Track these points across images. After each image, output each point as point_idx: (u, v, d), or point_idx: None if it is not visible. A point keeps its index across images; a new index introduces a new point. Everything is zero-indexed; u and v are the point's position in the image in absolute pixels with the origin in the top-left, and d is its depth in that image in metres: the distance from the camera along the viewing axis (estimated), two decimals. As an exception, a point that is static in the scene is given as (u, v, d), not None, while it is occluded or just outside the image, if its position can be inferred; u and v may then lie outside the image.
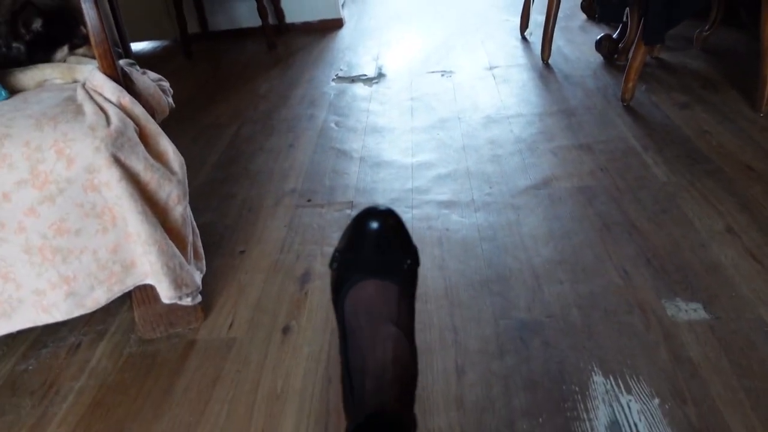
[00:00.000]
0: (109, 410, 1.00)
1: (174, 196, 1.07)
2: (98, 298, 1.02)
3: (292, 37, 3.35)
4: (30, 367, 1.12)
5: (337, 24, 3.44)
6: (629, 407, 0.91)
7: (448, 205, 1.50)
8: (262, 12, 3.04)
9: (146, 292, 1.10)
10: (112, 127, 0.97)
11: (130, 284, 1.05)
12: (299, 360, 1.06)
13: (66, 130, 0.93)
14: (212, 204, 1.62)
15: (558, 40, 2.64)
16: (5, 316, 0.98)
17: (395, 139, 1.91)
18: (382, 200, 1.55)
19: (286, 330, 1.14)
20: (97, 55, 1.06)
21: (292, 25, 3.45)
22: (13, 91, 1.09)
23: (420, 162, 1.74)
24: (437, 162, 1.73)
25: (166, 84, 1.30)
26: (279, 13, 3.37)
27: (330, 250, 1.36)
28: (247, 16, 3.38)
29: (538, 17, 2.88)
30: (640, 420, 0.89)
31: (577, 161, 1.64)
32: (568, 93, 2.13)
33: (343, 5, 3.56)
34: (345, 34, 3.31)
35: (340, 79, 2.57)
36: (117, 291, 1.03)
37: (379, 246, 0.75)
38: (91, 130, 0.94)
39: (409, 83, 2.41)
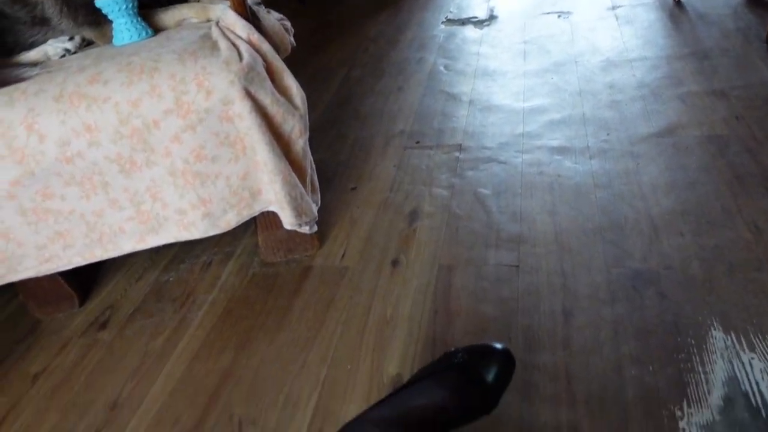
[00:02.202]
0: (237, 320, 1.12)
1: (296, 129, 1.13)
2: (230, 220, 1.12)
3: (402, -20, 3.29)
4: (171, 279, 1.26)
5: (447, -36, 3.33)
6: (751, 365, 0.87)
7: (560, 151, 1.45)
8: (373, -47, 3.01)
9: (269, 218, 1.20)
10: (244, 61, 1.03)
11: (256, 209, 1.14)
12: (408, 291, 1.11)
13: (205, 65, 1.01)
14: (325, 142, 1.69)
15: (694, -24, 2.38)
16: (153, 231, 1.11)
17: (506, 83, 1.86)
18: (491, 144, 1.53)
19: (395, 263, 1.19)
20: (231, -7, 1.12)
21: (402, -34, 3.38)
22: (156, 29, 1.19)
23: (532, 107, 1.69)
24: (550, 107, 1.66)
25: (287, 23, 1.36)
26: (389, -45, 3.32)
27: (438, 192, 1.38)
28: (357, -41, 3.36)
29: (672, -49, 2.61)
30: (762, 378, 0.84)
31: (708, 108, 1.51)
32: (702, 33, 1.94)
33: (454, -56, 3.42)
34: (456, -26, 3.20)
35: (449, 21, 2.51)
36: (245, 215, 1.13)
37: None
38: (225, 64, 1.01)
39: (522, 25, 2.30)
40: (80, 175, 1.03)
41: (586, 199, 1.26)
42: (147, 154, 1.03)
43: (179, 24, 1.22)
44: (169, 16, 1.22)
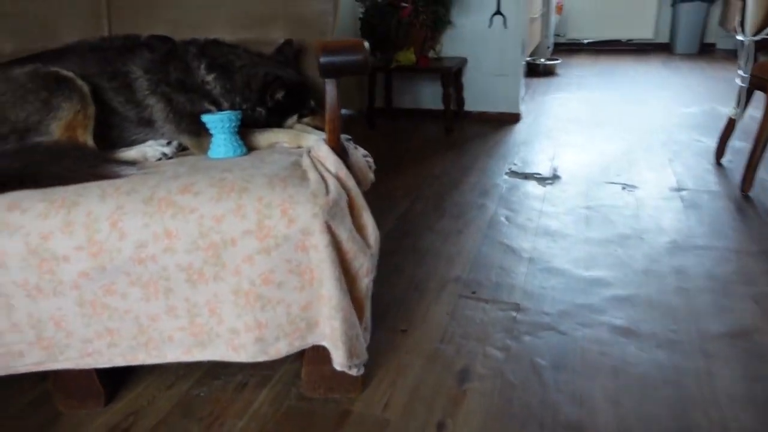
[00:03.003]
0: (264, 460, 1.03)
1: (365, 268, 1.12)
2: (280, 348, 1.07)
3: (469, 124, 3.47)
4: (202, 394, 1.20)
5: (513, 118, 3.51)
6: None
7: (625, 332, 1.38)
8: (446, 98, 3.21)
9: (318, 352, 1.15)
10: (330, 196, 1.05)
11: (309, 342, 1.10)
12: (451, 464, 1.01)
13: (292, 193, 1.03)
14: (381, 274, 1.67)
15: (763, 173, 2.41)
16: (201, 345, 1.08)
17: (568, 246, 1.84)
18: (551, 310, 1.48)
19: (440, 426, 1.10)
20: (327, 129, 1.18)
21: (470, 113, 3.58)
22: (250, 148, 1.25)
23: (595, 277, 1.65)
24: (614, 281, 1.62)
25: (371, 159, 1.41)
26: (460, 101, 3.53)
27: (492, 352, 1.32)
28: (429, 99, 3.59)
29: (737, 143, 2.68)
30: None
31: (785, 316, 1.44)
32: (773, 233, 1.91)
33: (521, 101, 3.63)
34: (521, 129, 3.35)
35: (513, 173, 2.58)
36: (297, 346, 1.09)
37: None
38: (313, 196, 1.03)
39: (585, 190, 2.34)
40: (147, 277, 1.02)
41: (653, 394, 1.17)
42: (217, 269, 1.03)
43: (272, 146, 1.28)
44: (264, 138, 1.28)
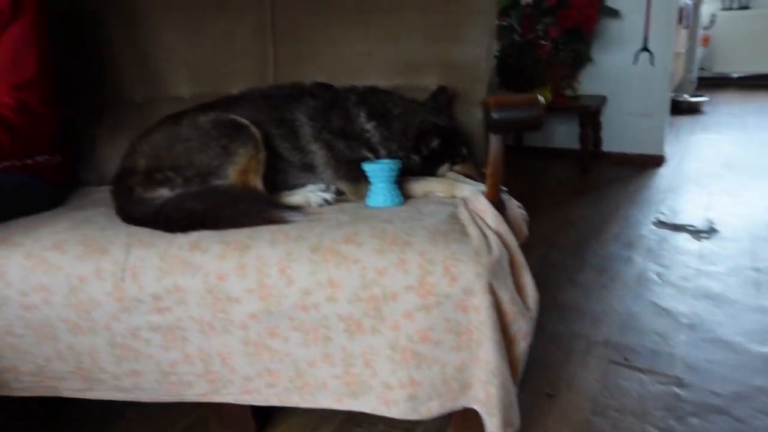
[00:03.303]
0: None
1: (523, 331, 1.06)
2: (431, 408, 1.04)
3: (606, 166, 3.28)
4: (343, 442, 1.20)
5: (657, 161, 3.26)
6: None
7: (820, 428, 1.19)
8: (584, 138, 3.06)
9: (466, 415, 1.10)
10: (493, 255, 1.02)
11: (460, 404, 1.06)
12: None
13: (455, 250, 1.01)
14: (520, 329, 1.60)
15: None
16: (353, 395, 1.08)
17: (736, 314, 1.64)
18: (721, 390, 1.32)
19: None
20: (488, 183, 1.15)
21: (608, 153, 3.39)
22: (405, 196, 1.25)
23: (773, 355, 1.45)
24: (798, 362, 1.41)
25: (524, 212, 1.35)
26: (597, 140, 3.36)
27: (655, 433, 1.19)
28: (563, 138, 3.45)
29: None
30: None
31: None
32: None
33: (666, 142, 3.37)
34: (666, 173, 3.11)
35: (661, 224, 2.38)
36: (448, 407, 1.05)
37: None
38: (475, 254, 1.00)
39: (750, 247, 2.09)
40: (309, 324, 1.05)
41: None
42: (375, 322, 1.03)
43: (426, 195, 1.28)
44: (419, 187, 1.28)
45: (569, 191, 2.84)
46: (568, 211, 2.56)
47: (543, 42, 2.89)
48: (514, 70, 2.97)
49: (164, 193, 1.19)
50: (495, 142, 1.10)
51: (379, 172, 1.17)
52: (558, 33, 2.84)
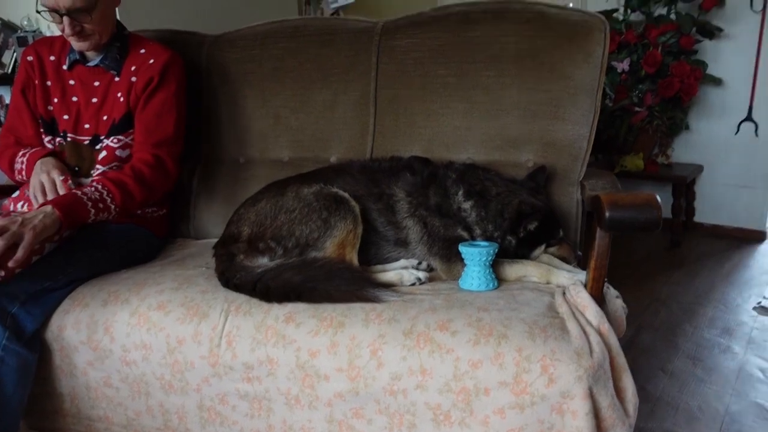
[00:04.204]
0: None
1: (622, 440, 0.99)
2: None
3: (699, 238, 3.09)
4: None
5: (758, 236, 3.04)
6: None
7: None
8: (676, 209, 2.91)
9: None
10: (594, 357, 0.96)
11: None
12: None
13: (554, 348, 0.97)
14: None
15: None
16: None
17: None
18: None
19: None
20: (591, 277, 1.11)
21: (701, 225, 3.20)
22: (498, 279, 1.22)
23: None
24: None
25: (623, 304, 1.28)
26: (690, 211, 3.18)
27: None
28: (652, 206, 3.30)
29: None
30: None
31: None
32: None
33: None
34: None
35: (763, 310, 2.19)
36: None
37: None
38: (576, 356, 0.95)
39: None
40: (395, 408, 1.03)
41: None
42: (464, 415, 0.99)
43: (519, 280, 1.24)
44: (513, 271, 1.24)
45: (658, 265, 2.69)
46: (658, 288, 2.42)
47: (637, 108, 2.81)
48: (605, 136, 2.89)
49: (264, 261, 1.23)
50: (602, 238, 1.06)
51: (476, 256, 1.16)
52: (655, 101, 2.75)
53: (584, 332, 1.01)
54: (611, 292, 1.26)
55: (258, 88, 1.74)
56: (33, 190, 1.40)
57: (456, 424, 1.00)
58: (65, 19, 1.37)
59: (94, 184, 1.37)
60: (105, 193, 1.35)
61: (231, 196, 1.70)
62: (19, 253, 1.15)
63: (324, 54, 1.69)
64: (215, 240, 1.66)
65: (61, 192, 1.37)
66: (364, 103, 1.64)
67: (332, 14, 3.51)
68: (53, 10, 1.37)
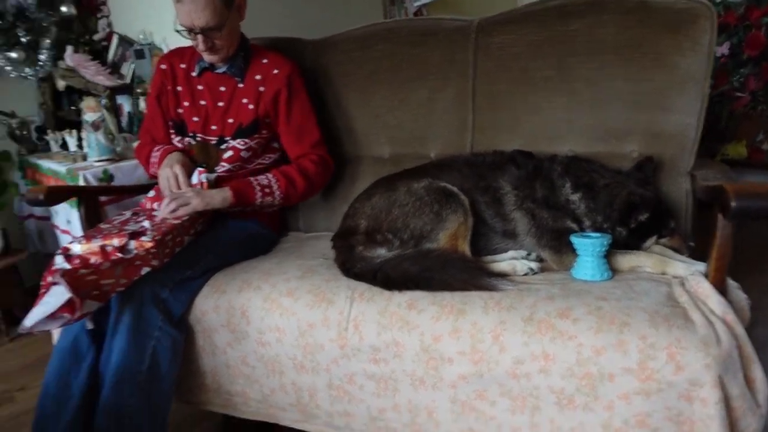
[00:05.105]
0: None
1: (752, 428, 0.99)
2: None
3: (810, 229, 2.90)
4: None
5: None
6: None
7: None
8: (783, 198, 2.75)
9: None
10: (723, 346, 0.97)
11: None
12: None
13: (679, 337, 0.98)
14: None
15: None
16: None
17: None
18: None
19: None
20: (714, 267, 1.11)
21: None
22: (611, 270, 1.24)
23: None
24: None
25: (744, 294, 1.26)
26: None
27: None
28: (754, 195, 3.13)
29: None
30: None
31: None
32: None
33: None
34: None
35: None
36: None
37: None
38: (703, 344, 0.97)
39: None
40: (518, 391, 1.08)
41: None
42: (589, 400, 1.03)
43: (632, 270, 1.25)
44: (626, 261, 1.25)
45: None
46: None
47: (739, 94, 2.67)
48: (705, 123, 2.77)
49: (382, 252, 1.31)
50: (725, 228, 1.06)
51: (589, 246, 1.18)
52: (758, 85, 2.60)
53: (709, 322, 1.02)
54: (731, 283, 1.24)
55: (358, 89, 1.83)
56: (160, 181, 1.58)
57: (580, 408, 1.04)
58: (199, 36, 1.52)
59: (266, 173, 1.60)
60: (273, 180, 1.59)
61: (337, 192, 1.80)
62: (180, 210, 1.44)
63: (419, 54, 1.75)
64: (323, 233, 1.80)
65: (183, 183, 1.53)
66: (461, 99, 1.69)
67: (415, 12, 3.57)
68: (189, 29, 1.52)
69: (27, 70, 2.69)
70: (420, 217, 1.31)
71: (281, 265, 1.45)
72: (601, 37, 1.51)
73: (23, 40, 2.65)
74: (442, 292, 1.19)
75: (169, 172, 1.55)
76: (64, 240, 2.39)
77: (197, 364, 1.41)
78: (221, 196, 1.51)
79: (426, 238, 1.30)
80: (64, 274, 1.16)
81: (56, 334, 1.45)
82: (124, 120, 2.65)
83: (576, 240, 1.21)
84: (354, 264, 1.31)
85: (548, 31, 1.58)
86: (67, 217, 2.27)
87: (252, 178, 1.58)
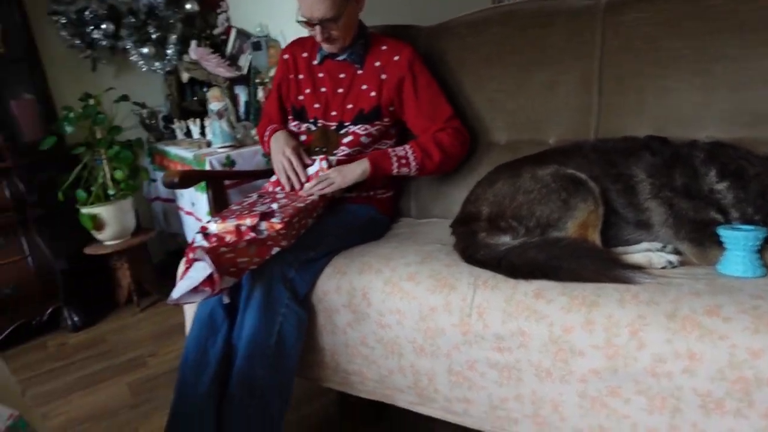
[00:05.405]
0: None
1: None
2: None
3: None
4: None
5: None
6: None
7: None
8: None
9: None
10: None
11: None
12: None
13: None
14: None
15: None
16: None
17: None
18: None
19: None
20: None
21: None
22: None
23: None
24: None
25: None
26: None
27: None
28: None
29: None
30: None
31: None
32: None
33: None
34: None
35: None
36: None
37: None
38: None
39: None
40: (656, 391, 1.02)
41: None
42: (741, 405, 0.95)
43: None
44: (781, 256, 1.14)
45: None
46: None
47: None
48: None
49: (506, 240, 1.29)
50: None
51: (741, 240, 1.09)
52: None
53: None
54: None
55: (473, 73, 1.80)
56: (275, 166, 1.67)
57: (730, 413, 0.96)
58: (317, 27, 1.58)
59: (404, 145, 1.65)
60: (410, 152, 1.62)
61: (451, 178, 1.79)
62: (327, 189, 1.55)
63: (540, 36, 1.69)
64: (435, 220, 1.80)
65: (297, 167, 1.61)
66: (586, 82, 1.61)
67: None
68: (308, 20, 1.58)
69: (156, 64, 2.91)
70: (547, 204, 1.27)
71: (399, 249, 1.47)
72: (745, 14, 1.39)
73: (153, 36, 2.87)
74: (571, 283, 1.15)
75: (282, 158, 1.63)
76: (188, 221, 2.58)
77: (317, 342, 1.46)
78: (361, 169, 1.58)
79: (553, 227, 1.25)
80: (209, 251, 1.24)
81: (188, 309, 1.58)
82: (241, 109, 2.79)
83: (725, 232, 1.12)
84: (476, 250, 1.30)
85: (686, 7, 1.47)
86: (191, 199, 2.44)
87: (390, 149, 1.63)
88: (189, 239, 2.61)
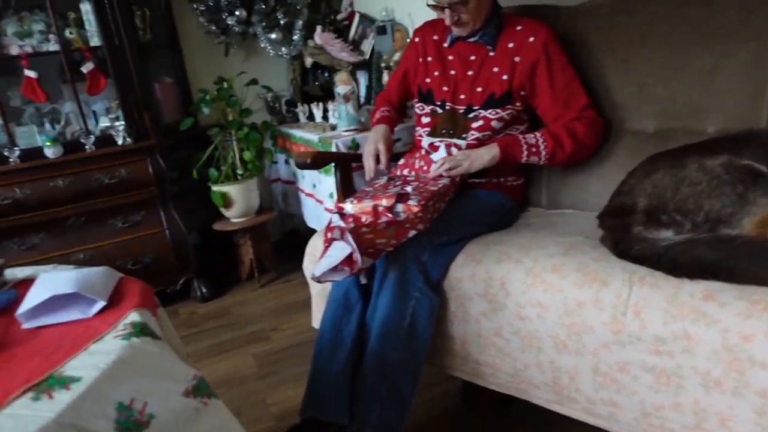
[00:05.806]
0: None
1: None
2: None
3: None
4: None
5: None
6: None
7: None
8: None
9: None
10: None
11: None
12: None
13: None
14: None
15: None
16: None
17: None
18: None
19: None
20: None
21: None
22: None
23: None
24: None
25: None
26: None
27: None
28: None
29: None
30: None
31: None
32: None
33: None
34: None
35: None
36: None
37: None
38: None
39: None
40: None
41: None
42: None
43: None
44: None
45: None
46: None
47: None
48: None
49: (668, 235, 1.18)
50: None
51: None
52: None
53: None
54: None
55: (620, 56, 1.67)
56: (366, 149, 1.73)
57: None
58: (446, 11, 1.55)
59: (535, 132, 1.59)
60: (541, 140, 1.57)
61: (589, 168, 1.68)
62: (453, 171, 1.53)
63: (703, 15, 1.53)
64: (568, 211, 1.70)
65: (383, 161, 1.68)
66: (758, 65, 1.44)
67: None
68: (437, 4, 1.54)
69: (283, 49, 3.02)
70: (718, 198, 1.14)
71: (537, 240, 1.40)
72: None
73: (281, 22, 2.97)
74: (749, 286, 1.03)
75: (373, 147, 1.70)
76: (308, 202, 2.65)
77: (447, 330, 1.43)
78: (490, 155, 1.55)
79: (725, 223, 1.13)
80: (352, 231, 1.25)
81: (314, 289, 1.62)
82: (362, 93, 2.82)
83: None
84: (631, 245, 1.20)
85: None
86: (313, 181, 2.51)
87: (520, 136, 1.59)
88: (307, 220, 2.72)
